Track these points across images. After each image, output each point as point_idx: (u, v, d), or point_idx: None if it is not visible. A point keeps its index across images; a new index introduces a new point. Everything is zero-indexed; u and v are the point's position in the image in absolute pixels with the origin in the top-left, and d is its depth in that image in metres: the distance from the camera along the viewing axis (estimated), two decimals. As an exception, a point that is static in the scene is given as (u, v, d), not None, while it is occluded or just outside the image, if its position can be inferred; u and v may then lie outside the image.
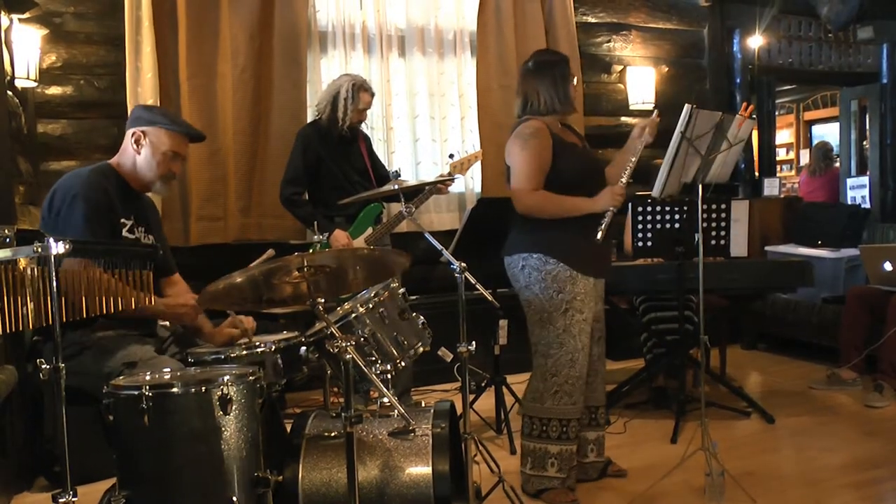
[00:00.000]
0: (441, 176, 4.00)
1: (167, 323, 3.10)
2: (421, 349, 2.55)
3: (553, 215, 2.90)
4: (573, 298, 2.90)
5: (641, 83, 5.73)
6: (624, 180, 2.87)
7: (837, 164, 7.40)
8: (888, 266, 4.42)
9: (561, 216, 2.89)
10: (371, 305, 2.46)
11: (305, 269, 2.16)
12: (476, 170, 5.00)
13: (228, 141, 4.54)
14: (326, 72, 4.86)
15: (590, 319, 2.96)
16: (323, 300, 2.23)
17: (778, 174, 7.08)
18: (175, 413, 1.94)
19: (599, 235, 2.80)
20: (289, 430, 2.40)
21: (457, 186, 5.24)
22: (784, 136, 10.47)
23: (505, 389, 3.89)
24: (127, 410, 1.93)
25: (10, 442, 3.19)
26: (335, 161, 4.00)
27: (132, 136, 2.64)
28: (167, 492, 1.95)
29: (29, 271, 1.74)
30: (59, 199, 2.53)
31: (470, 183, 5.26)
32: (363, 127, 4.23)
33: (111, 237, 2.56)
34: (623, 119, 5.82)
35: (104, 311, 1.92)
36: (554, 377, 2.93)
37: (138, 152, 2.64)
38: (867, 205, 6.45)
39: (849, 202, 6.62)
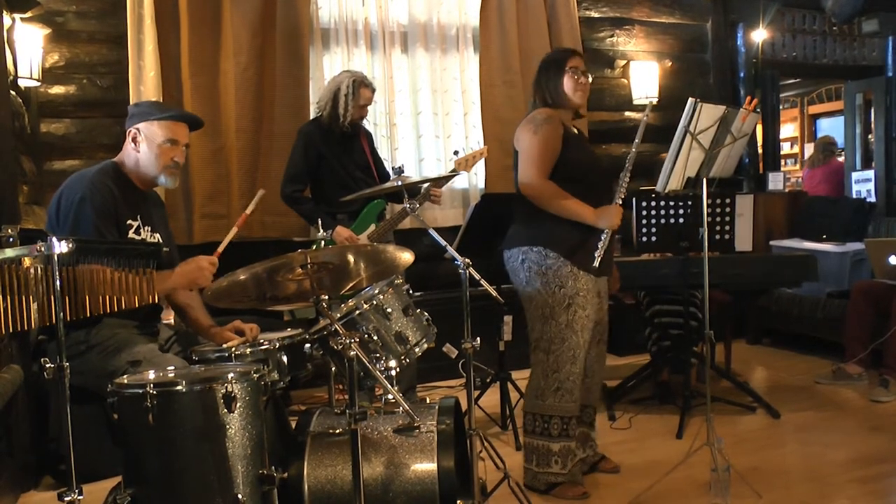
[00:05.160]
0: (447, 172, 4.00)
1: (171, 321, 3.11)
2: (425, 345, 2.54)
3: (553, 210, 2.87)
4: (576, 294, 2.89)
5: (645, 78, 5.72)
6: (619, 200, 2.87)
7: (840, 158, 7.37)
8: (894, 260, 4.40)
9: (560, 214, 2.87)
10: (375, 302, 2.45)
11: (309, 266, 2.16)
12: (480, 166, 4.99)
13: (231, 139, 4.54)
14: (329, 69, 4.86)
15: (592, 316, 2.95)
16: (327, 297, 2.23)
17: (782, 168, 7.06)
18: (180, 411, 1.95)
19: (596, 262, 2.82)
20: (293, 427, 2.41)
21: (460, 182, 5.24)
22: (788, 130, 10.44)
23: (510, 385, 3.89)
24: (132, 409, 1.94)
25: (16, 441, 3.20)
26: (337, 158, 4.00)
27: (129, 135, 2.67)
28: (172, 490, 1.95)
29: (33, 271, 1.74)
30: (66, 204, 2.54)
31: (473, 179, 5.25)
32: (365, 123, 4.22)
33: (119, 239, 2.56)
34: (626, 114, 5.80)
35: (108, 310, 1.93)
36: (555, 373, 2.93)
37: (137, 150, 2.66)
38: (872, 198, 6.42)
39: (854, 196, 6.59)
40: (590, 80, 3.01)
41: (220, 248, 2.69)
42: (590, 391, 3.12)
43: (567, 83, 2.97)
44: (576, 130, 3.07)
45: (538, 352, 2.97)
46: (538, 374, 2.97)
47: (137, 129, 2.66)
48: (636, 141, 2.89)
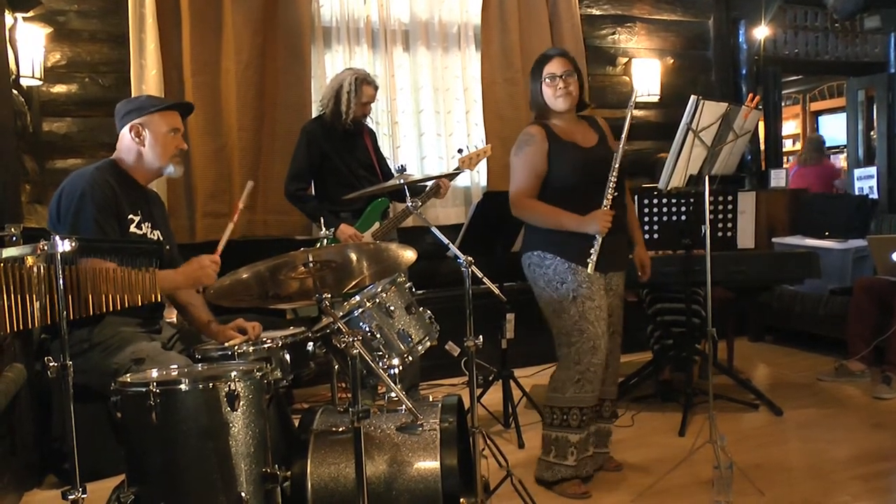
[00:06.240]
0: (451, 171, 4.00)
1: (174, 319, 3.11)
2: (428, 344, 2.54)
3: (540, 225, 2.97)
4: (578, 286, 2.91)
5: (647, 75, 5.71)
6: (607, 204, 2.86)
7: (829, 159, 7.36)
8: (896, 257, 4.40)
9: (547, 227, 2.94)
10: (378, 300, 2.45)
11: (311, 265, 2.16)
12: (482, 164, 4.99)
13: (233, 138, 4.54)
14: (331, 67, 4.85)
15: (604, 308, 2.96)
16: (329, 295, 2.23)
17: (784, 165, 7.04)
18: (183, 410, 1.95)
19: (590, 268, 2.84)
20: (296, 425, 2.41)
21: (463, 181, 5.23)
22: (790, 127, 10.42)
23: (512, 383, 3.89)
24: (135, 407, 1.94)
25: (19, 440, 3.21)
26: (340, 156, 4.00)
27: (130, 130, 2.66)
28: (176, 488, 1.95)
29: (36, 270, 1.74)
30: (67, 200, 2.54)
31: (476, 177, 5.25)
32: (368, 122, 4.22)
33: (120, 234, 2.56)
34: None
35: (111, 309, 1.93)
36: (577, 365, 2.95)
37: (142, 144, 2.65)
38: (875, 195, 6.41)
39: (856, 193, 6.58)
40: (574, 78, 2.96)
41: (220, 246, 2.69)
42: (606, 384, 3.12)
43: (545, 91, 2.98)
44: (586, 131, 3.05)
45: (561, 346, 3.01)
46: (561, 367, 3.01)
47: (140, 124, 2.65)
48: (622, 138, 2.89)
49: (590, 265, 2.83)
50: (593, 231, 2.84)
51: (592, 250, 2.83)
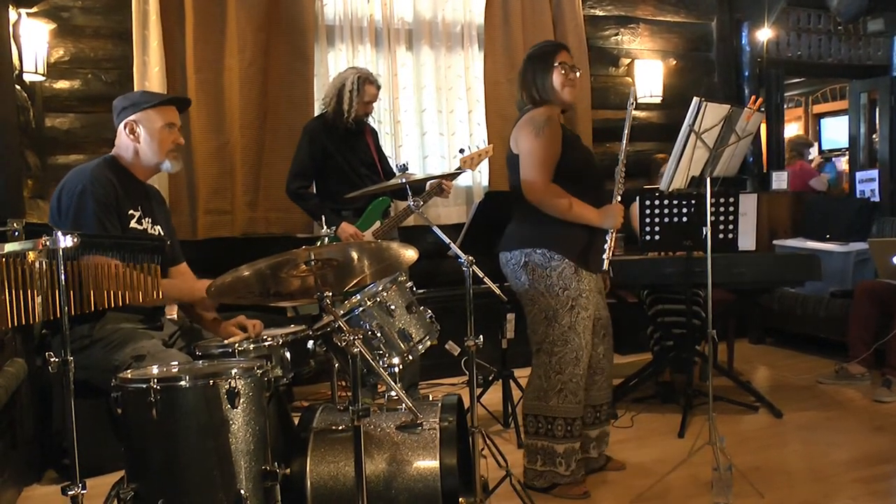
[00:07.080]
0: (452, 171, 4.00)
1: (175, 316, 3.11)
2: (428, 343, 2.54)
3: (559, 215, 2.84)
4: (578, 295, 2.87)
5: (649, 76, 5.71)
6: (617, 200, 2.85)
7: (807, 161, 7.33)
8: (897, 260, 4.39)
9: (566, 219, 2.85)
10: (379, 299, 2.45)
11: (313, 263, 2.16)
12: (483, 164, 4.99)
13: (236, 135, 4.55)
14: (334, 66, 4.86)
15: (593, 316, 2.94)
16: (330, 294, 2.23)
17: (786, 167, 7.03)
18: (183, 406, 1.95)
19: (606, 265, 2.79)
20: (296, 423, 2.41)
21: (464, 180, 5.23)
22: (793, 129, 10.39)
23: (512, 383, 3.89)
24: (135, 403, 1.94)
25: (19, 435, 3.21)
26: (342, 154, 4.00)
27: (125, 128, 2.65)
28: (175, 485, 1.95)
29: (37, 265, 1.74)
30: (67, 197, 2.54)
31: (477, 177, 5.25)
32: (370, 120, 4.22)
33: (121, 231, 2.56)
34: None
35: (112, 305, 1.93)
36: (558, 375, 2.91)
37: (137, 141, 2.65)
38: (876, 198, 6.40)
39: (858, 196, 6.57)
40: (577, 74, 2.96)
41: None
42: (600, 389, 3.10)
43: (556, 79, 2.92)
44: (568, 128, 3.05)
45: (541, 354, 2.96)
46: (540, 375, 2.96)
47: (134, 121, 2.65)
48: (625, 132, 2.87)
49: (605, 262, 2.78)
50: (610, 226, 2.80)
51: (607, 246, 2.78)
